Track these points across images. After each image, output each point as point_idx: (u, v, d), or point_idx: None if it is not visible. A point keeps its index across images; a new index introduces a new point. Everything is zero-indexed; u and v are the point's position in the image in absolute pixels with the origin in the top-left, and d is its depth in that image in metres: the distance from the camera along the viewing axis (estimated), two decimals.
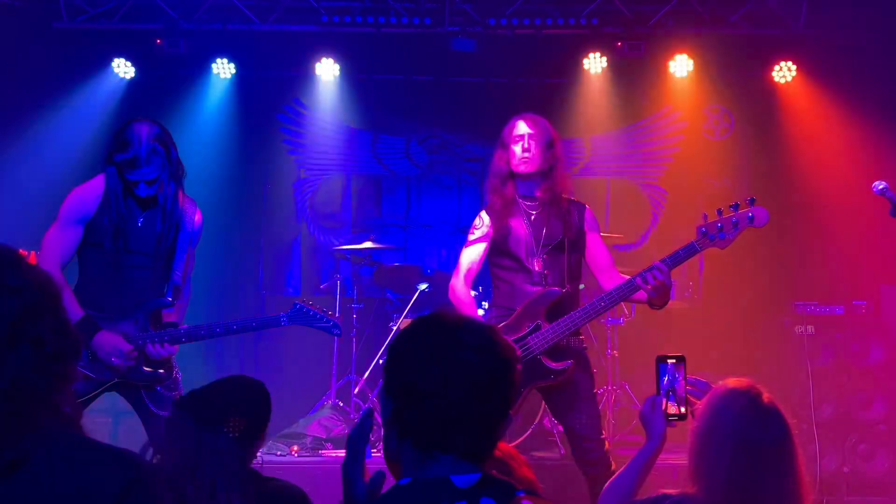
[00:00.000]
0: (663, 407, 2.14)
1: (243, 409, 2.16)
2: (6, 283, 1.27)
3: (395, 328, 5.73)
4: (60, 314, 1.32)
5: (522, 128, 3.54)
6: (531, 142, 3.50)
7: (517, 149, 3.51)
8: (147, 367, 3.23)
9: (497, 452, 1.95)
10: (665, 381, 2.15)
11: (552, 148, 3.54)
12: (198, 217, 3.46)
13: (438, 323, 1.46)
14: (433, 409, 1.39)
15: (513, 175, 3.56)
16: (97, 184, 3.28)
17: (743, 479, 1.81)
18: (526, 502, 1.33)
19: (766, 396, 1.89)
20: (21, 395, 1.24)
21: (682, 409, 2.14)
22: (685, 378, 2.16)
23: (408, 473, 1.37)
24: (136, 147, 3.15)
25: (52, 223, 3.29)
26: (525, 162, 3.50)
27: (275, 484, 2.22)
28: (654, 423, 2.13)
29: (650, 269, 3.21)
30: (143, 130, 3.19)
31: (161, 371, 3.27)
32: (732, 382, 1.94)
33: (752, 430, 1.83)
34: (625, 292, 3.30)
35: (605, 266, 3.56)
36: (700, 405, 1.96)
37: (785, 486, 1.82)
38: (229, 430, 2.08)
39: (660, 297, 3.26)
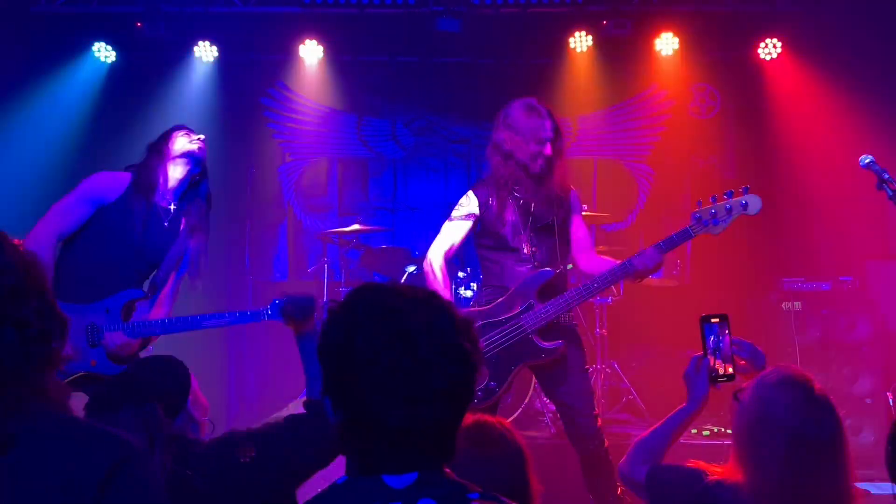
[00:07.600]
0: (711, 365, 2.09)
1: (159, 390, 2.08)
2: None
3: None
4: (45, 296, 1.30)
5: (548, 131, 3.47)
6: (551, 149, 3.48)
7: (539, 152, 3.44)
8: (115, 361, 3.16)
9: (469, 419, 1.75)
10: (710, 342, 2.10)
11: (561, 149, 3.54)
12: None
13: (396, 319, 1.23)
14: (396, 437, 1.20)
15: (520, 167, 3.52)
16: (124, 179, 3.26)
17: (797, 473, 1.77)
18: None
19: (818, 387, 1.84)
20: (5, 376, 1.22)
21: (730, 370, 2.10)
22: (730, 338, 2.12)
23: (347, 471, 1.26)
24: (164, 187, 3.29)
25: (33, 210, 3.25)
26: (542, 167, 3.47)
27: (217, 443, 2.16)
28: (697, 386, 2.08)
29: (641, 254, 3.28)
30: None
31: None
32: (783, 371, 1.88)
33: (807, 424, 1.78)
34: (619, 275, 3.34)
35: (585, 247, 3.60)
36: (748, 392, 1.89)
37: (838, 480, 1.79)
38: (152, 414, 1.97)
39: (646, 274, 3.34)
